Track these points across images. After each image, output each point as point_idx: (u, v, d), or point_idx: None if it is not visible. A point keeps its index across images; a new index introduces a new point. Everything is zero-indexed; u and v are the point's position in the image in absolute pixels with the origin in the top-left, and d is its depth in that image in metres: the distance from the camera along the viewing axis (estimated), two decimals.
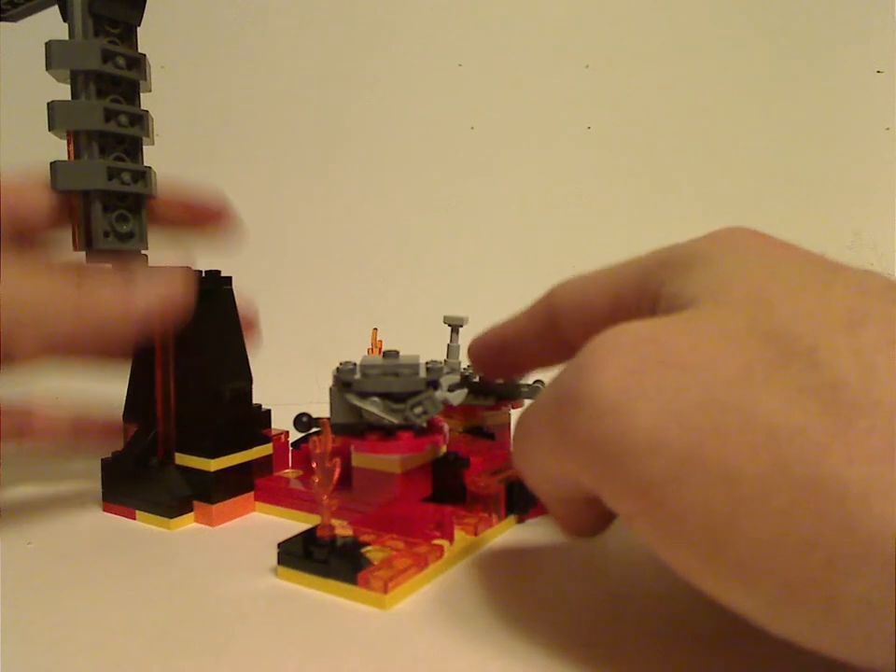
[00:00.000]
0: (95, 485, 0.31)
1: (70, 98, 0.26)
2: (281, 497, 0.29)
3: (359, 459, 0.27)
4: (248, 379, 0.30)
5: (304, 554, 0.22)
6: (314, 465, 0.22)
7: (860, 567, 0.13)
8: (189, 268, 0.27)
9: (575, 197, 0.55)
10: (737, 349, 0.15)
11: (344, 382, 0.25)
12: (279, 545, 0.23)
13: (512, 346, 0.25)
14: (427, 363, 0.26)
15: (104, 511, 0.29)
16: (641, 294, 0.19)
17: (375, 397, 0.24)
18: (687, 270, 0.18)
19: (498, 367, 0.27)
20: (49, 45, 0.26)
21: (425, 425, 0.25)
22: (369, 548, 0.23)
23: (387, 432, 0.25)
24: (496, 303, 0.28)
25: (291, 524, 0.28)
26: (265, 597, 0.21)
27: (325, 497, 0.22)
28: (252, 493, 0.30)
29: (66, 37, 0.26)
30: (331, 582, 0.21)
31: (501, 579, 0.23)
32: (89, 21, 0.26)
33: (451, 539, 0.24)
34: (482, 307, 0.30)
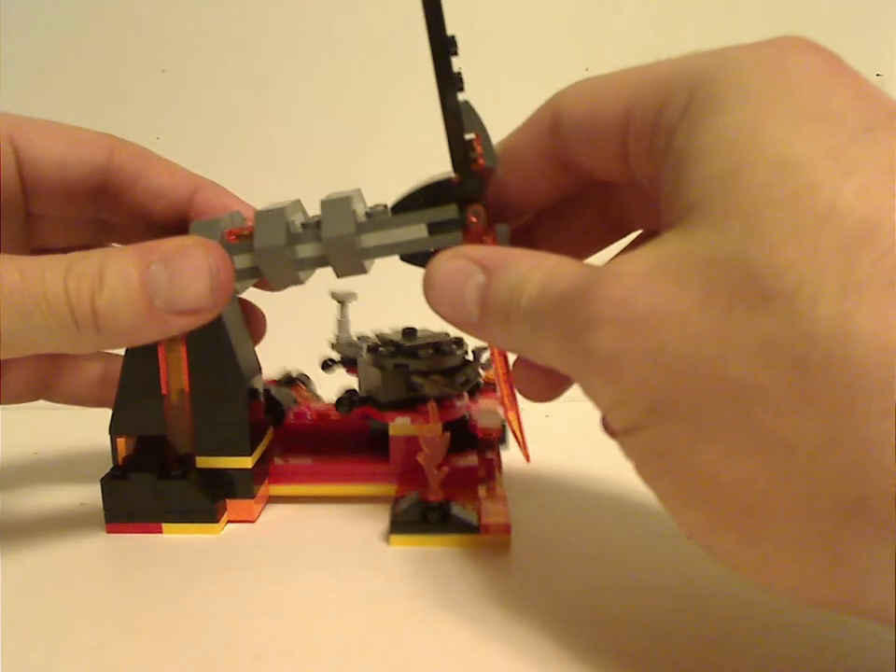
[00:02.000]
0: (73, 509, 0.29)
1: None
2: (294, 476, 0.30)
3: (400, 429, 0.29)
4: (259, 368, 0.30)
5: (421, 519, 0.25)
6: (421, 439, 0.25)
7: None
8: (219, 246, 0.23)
9: None
10: (718, 294, 0.14)
11: (397, 364, 0.28)
12: (393, 516, 0.26)
13: (506, 168, 0.22)
14: (442, 336, 0.30)
15: (107, 532, 0.27)
16: (660, 114, 0.17)
17: (435, 374, 0.28)
18: (708, 110, 0.16)
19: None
20: None
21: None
22: (464, 503, 0.27)
23: (437, 402, 0.29)
24: None
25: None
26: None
27: (434, 467, 0.25)
28: (267, 479, 0.30)
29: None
30: (452, 537, 0.26)
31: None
32: None
33: (495, 480, 0.29)
34: None
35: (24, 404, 0.29)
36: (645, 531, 0.26)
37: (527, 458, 0.27)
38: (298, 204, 0.24)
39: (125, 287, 0.21)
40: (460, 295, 0.20)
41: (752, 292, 0.14)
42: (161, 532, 0.27)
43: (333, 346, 0.32)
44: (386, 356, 0.28)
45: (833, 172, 0.14)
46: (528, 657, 0.19)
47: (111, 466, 0.28)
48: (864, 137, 0.14)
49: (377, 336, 0.31)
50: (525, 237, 0.24)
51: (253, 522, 0.28)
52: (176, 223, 0.28)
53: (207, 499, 0.27)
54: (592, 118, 0.19)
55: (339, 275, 0.24)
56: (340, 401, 0.29)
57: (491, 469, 0.30)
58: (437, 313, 0.21)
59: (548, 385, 0.22)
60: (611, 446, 0.18)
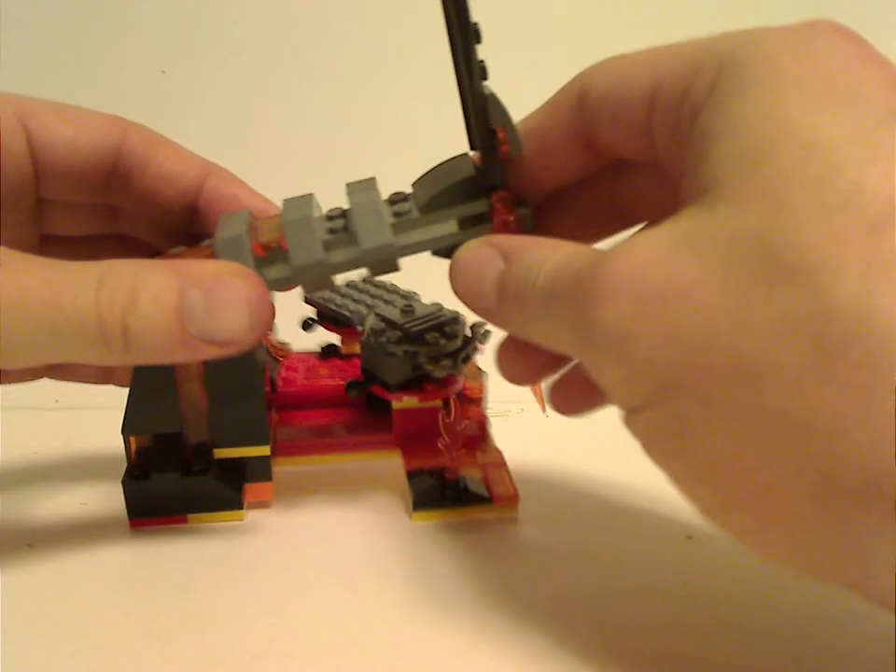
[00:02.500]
0: (74, 509, 0.29)
1: None
2: (302, 450, 0.31)
3: (404, 403, 0.30)
4: (268, 351, 0.30)
5: (441, 497, 0.27)
6: (442, 427, 0.27)
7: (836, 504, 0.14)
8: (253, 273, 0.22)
9: None
10: (738, 271, 0.14)
11: (408, 351, 0.29)
12: (415, 495, 0.27)
13: (529, 145, 0.22)
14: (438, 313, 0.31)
15: (131, 527, 0.27)
16: (686, 91, 0.17)
17: (445, 359, 0.29)
18: (735, 89, 0.16)
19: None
20: None
21: None
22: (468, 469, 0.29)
23: (440, 378, 0.30)
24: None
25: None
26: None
27: (455, 451, 0.27)
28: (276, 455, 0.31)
29: None
30: (466, 510, 0.27)
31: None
32: None
33: (486, 440, 0.31)
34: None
35: (24, 406, 0.29)
36: (646, 531, 0.27)
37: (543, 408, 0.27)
38: (315, 202, 0.24)
39: (159, 310, 0.20)
40: (481, 282, 0.20)
41: (774, 269, 0.14)
42: (186, 523, 0.28)
43: (307, 301, 0.33)
44: (395, 341, 0.29)
45: (860, 154, 0.14)
46: (530, 654, 0.20)
47: (118, 464, 0.28)
48: (892, 121, 0.14)
49: (375, 315, 0.31)
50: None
51: (269, 501, 0.29)
52: (186, 210, 0.28)
53: (231, 489, 0.28)
54: (618, 92, 0.19)
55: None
56: (350, 385, 0.30)
57: (483, 428, 0.31)
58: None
59: (534, 369, 0.23)
60: (611, 446, 0.19)
